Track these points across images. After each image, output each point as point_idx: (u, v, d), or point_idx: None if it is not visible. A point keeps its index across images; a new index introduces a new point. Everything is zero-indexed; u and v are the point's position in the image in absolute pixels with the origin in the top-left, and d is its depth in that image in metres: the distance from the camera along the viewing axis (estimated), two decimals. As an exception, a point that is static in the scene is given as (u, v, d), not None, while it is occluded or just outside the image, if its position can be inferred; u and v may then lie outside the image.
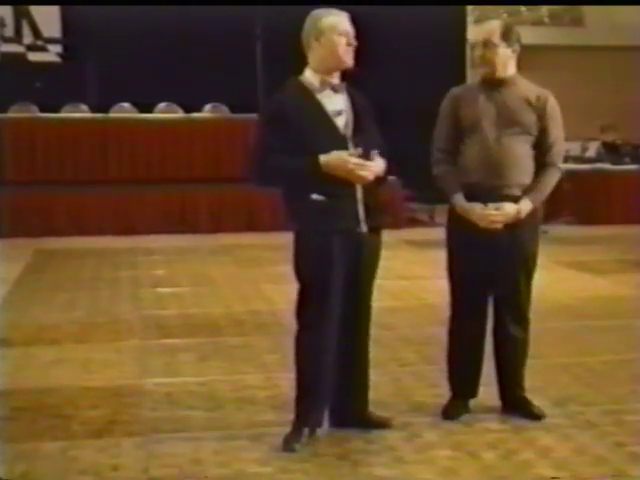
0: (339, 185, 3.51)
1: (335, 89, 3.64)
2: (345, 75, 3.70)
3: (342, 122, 3.62)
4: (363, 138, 3.61)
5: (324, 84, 3.62)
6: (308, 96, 3.61)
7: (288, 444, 3.61)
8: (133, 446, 3.67)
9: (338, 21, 3.61)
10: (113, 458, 3.53)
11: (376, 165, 3.58)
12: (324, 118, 3.60)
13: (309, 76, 3.65)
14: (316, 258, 3.57)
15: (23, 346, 5.36)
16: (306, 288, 3.62)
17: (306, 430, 3.66)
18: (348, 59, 3.62)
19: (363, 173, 3.52)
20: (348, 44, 3.60)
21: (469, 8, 14.97)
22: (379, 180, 3.64)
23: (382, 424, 3.86)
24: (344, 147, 3.56)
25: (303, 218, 3.59)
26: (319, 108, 3.60)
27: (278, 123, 3.55)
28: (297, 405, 3.70)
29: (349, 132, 3.62)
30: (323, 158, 3.50)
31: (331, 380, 3.72)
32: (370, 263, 3.72)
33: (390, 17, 12.65)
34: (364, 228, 3.61)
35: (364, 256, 3.65)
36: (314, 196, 3.54)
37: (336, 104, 3.63)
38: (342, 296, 3.63)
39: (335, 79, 3.65)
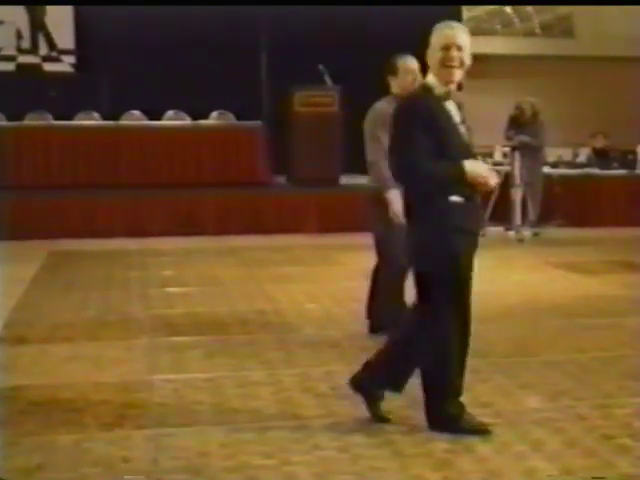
0: (472, 190, 3.62)
1: (454, 99, 3.69)
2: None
3: (464, 131, 3.69)
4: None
5: (447, 94, 3.65)
6: (441, 103, 3.64)
7: (471, 426, 3.66)
8: (143, 439, 3.67)
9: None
10: (124, 450, 3.53)
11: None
12: (455, 126, 3.65)
13: (436, 85, 3.65)
14: (456, 257, 3.61)
15: (38, 343, 5.36)
16: (439, 284, 3.62)
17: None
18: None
19: (492, 183, 3.64)
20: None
21: (464, 19, 14.97)
22: None
23: (382, 418, 3.85)
24: (471, 155, 3.66)
25: (442, 218, 3.60)
26: (450, 116, 3.65)
27: (426, 127, 3.57)
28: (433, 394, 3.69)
29: (469, 141, 3.71)
30: (468, 166, 3.57)
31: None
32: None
33: (389, 17, 12.62)
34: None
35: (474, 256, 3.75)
36: (454, 198, 3.60)
37: (456, 114, 3.68)
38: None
39: (454, 88, 3.69)
